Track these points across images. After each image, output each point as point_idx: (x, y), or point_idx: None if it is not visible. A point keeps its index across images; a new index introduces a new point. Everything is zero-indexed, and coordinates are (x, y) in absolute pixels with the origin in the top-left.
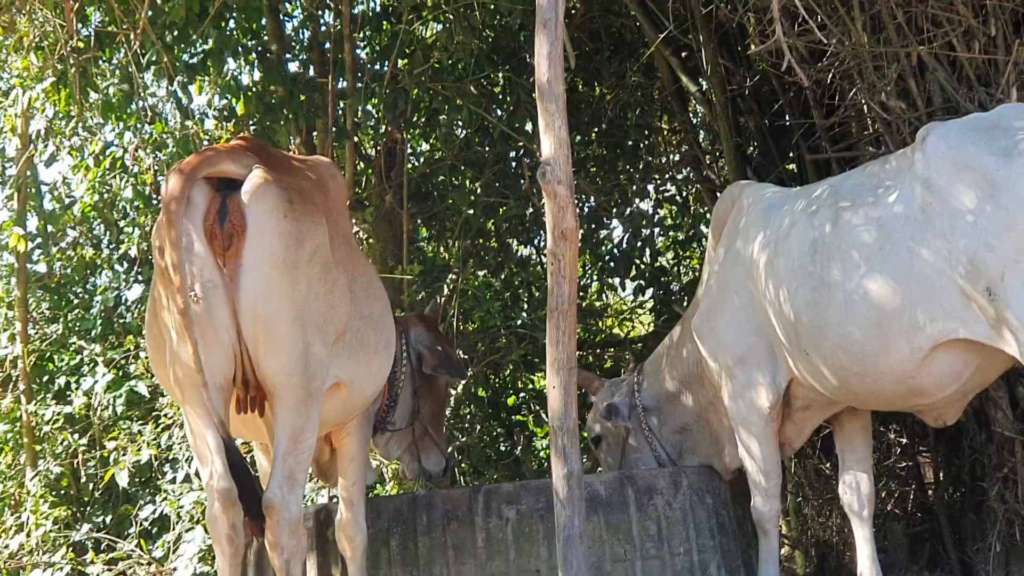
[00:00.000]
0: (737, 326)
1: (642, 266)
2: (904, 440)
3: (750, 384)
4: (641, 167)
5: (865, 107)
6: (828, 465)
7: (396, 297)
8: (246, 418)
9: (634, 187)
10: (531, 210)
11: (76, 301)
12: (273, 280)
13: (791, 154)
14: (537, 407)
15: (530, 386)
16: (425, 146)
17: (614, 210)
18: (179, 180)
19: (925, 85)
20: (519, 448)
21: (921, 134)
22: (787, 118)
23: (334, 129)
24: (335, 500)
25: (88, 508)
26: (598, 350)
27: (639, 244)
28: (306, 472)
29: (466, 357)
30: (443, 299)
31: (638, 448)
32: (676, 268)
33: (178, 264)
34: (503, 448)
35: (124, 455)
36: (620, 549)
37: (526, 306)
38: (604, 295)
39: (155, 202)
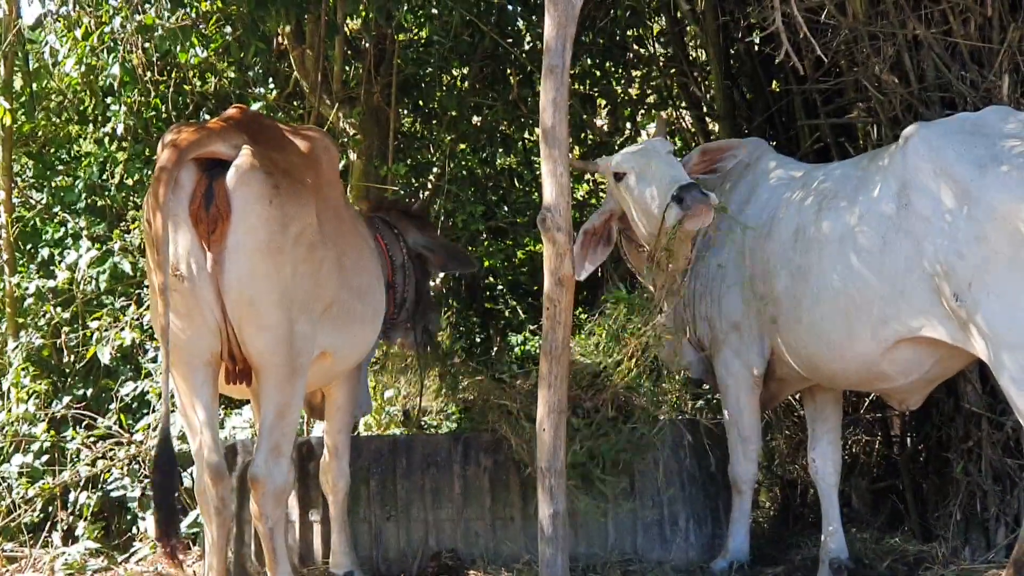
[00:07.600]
0: (736, 295)
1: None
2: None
3: (742, 350)
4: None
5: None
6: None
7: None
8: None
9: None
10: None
11: (60, 168)
12: (257, 265)
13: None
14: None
15: (509, 277)
16: (417, 34)
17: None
18: (170, 157)
19: (918, 60)
20: (495, 348)
21: (906, 134)
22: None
23: (324, 19)
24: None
25: (69, 380)
26: None
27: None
28: (291, 443)
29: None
30: (427, 193)
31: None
32: None
33: (161, 246)
34: (478, 339)
35: (106, 333)
36: None
37: (506, 209)
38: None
39: (143, 81)
